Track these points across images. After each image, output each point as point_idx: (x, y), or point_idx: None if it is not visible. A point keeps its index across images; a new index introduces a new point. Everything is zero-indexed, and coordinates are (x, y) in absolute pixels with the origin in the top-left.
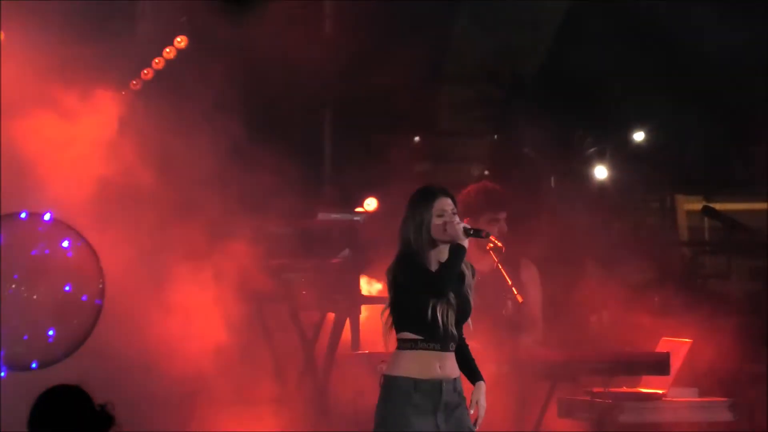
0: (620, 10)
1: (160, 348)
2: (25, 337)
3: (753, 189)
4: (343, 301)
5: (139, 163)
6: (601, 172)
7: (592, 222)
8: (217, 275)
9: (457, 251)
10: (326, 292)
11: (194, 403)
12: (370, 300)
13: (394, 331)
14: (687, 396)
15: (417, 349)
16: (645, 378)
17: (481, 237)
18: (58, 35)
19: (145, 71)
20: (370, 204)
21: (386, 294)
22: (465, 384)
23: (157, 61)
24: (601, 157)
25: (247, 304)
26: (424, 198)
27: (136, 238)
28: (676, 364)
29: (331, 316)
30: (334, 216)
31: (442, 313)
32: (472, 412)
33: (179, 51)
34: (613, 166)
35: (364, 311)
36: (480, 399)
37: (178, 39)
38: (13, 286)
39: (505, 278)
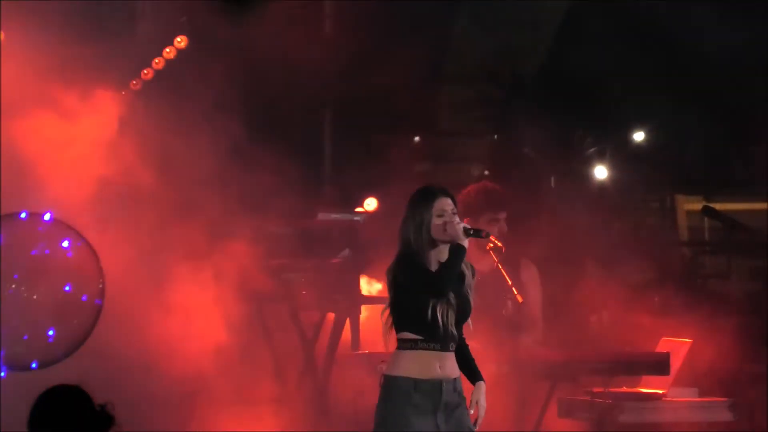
0: (620, 10)
1: (160, 348)
2: (25, 337)
3: (753, 189)
4: (343, 301)
5: (139, 163)
6: (601, 172)
7: (592, 222)
8: (217, 275)
9: (457, 251)
10: (326, 292)
11: (194, 403)
12: (370, 300)
13: (394, 331)
14: (687, 396)
15: (417, 349)
16: (645, 378)
17: (481, 237)
18: (57, 35)
19: (145, 71)
20: (370, 204)
21: (386, 294)
22: (465, 384)
23: (157, 61)
24: (601, 157)
25: (247, 304)
26: (424, 198)
27: (136, 238)
28: (676, 364)
29: (331, 316)
30: (334, 216)
31: (442, 313)
32: (472, 412)
33: (179, 51)
34: (613, 166)
35: (364, 311)
36: (480, 399)
37: (178, 39)
38: (13, 286)
39: (505, 278)
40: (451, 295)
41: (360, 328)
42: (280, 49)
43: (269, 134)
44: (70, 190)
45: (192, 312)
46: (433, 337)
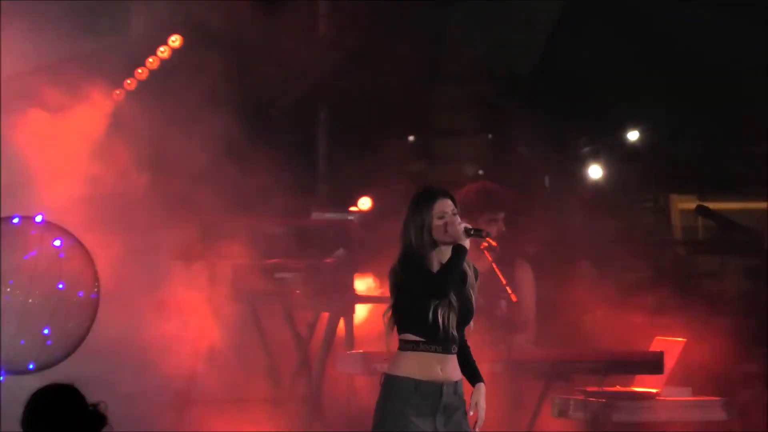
0: (615, 10)
1: (153, 347)
2: (22, 341)
3: (747, 188)
4: (337, 301)
5: (132, 163)
6: (595, 171)
7: (586, 221)
8: (210, 275)
9: (457, 252)
10: (320, 292)
11: (187, 402)
12: (364, 299)
13: (395, 332)
14: (681, 395)
15: (419, 350)
16: (639, 377)
17: (482, 237)
18: (50, 34)
19: (140, 70)
20: (365, 203)
21: (380, 293)
22: (465, 385)
23: (151, 60)
24: (595, 156)
25: (241, 304)
26: (425, 200)
27: (129, 238)
28: (669, 363)
29: (325, 315)
30: (328, 215)
31: (443, 316)
32: (471, 413)
33: (174, 50)
34: (607, 166)
35: (358, 311)
36: (480, 400)
37: (173, 38)
38: (8, 290)
39: (499, 277)
40: (453, 297)
41: (354, 327)
42: (274, 48)
43: (263, 133)
44: (62, 189)
45: (186, 312)
46: (435, 339)
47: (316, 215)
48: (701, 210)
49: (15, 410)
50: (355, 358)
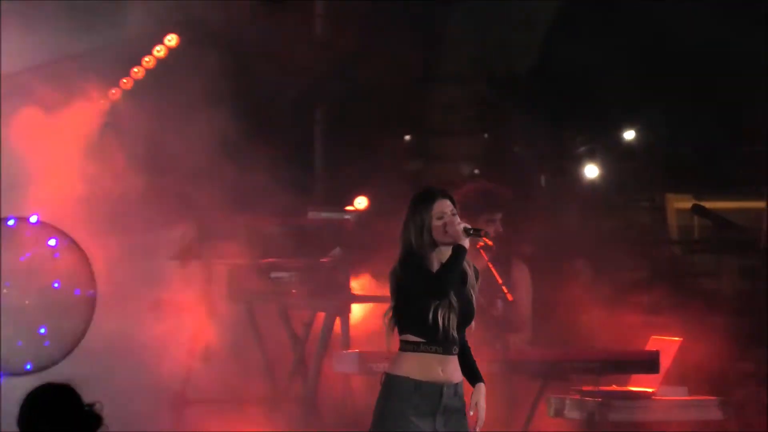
0: (612, 9)
1: (149, 347)
2: (20, 343)
3: (743, 187)
4: (333, 300)
5: (128, 162)
6: (591, 170)
7: (583, 221)
8: (206, 274)
9: (457, 252)
10: (316, 291)
11: (183, 402)
12: (361, 299)
13: (396, 333)
14: (677, 394)
15: (419, 351)
16: (635, 376)
17: (481, 237)
18: (46, 33)
19: (136, 69)
20: (361, 203)
21: (377, 293)
22: (465, 385)
23: (147, 59)
24: (591, 155)
25: (238, 304)
26: (424, 200)
27: (124, 238)
28: (665, 362)
29: (321, 315)
30: (325, 215)
31: (443, 317)
32: (471, 413)
33: (170, 49)
34: (604, 165)
35: (355, 310)
36: (480, 401)
37: (169, 38)
38: (5, 291)
39: (495, 277)
40: (453, 298)
41: (350, 327)
42: (271, 47)
43: (260, 133)
44: (58, 189)
45: (181, 311)
46: (435, 339)
47: (312, 214)
48: (697, 209)
49: (15, 410)
50: (352, 358)
